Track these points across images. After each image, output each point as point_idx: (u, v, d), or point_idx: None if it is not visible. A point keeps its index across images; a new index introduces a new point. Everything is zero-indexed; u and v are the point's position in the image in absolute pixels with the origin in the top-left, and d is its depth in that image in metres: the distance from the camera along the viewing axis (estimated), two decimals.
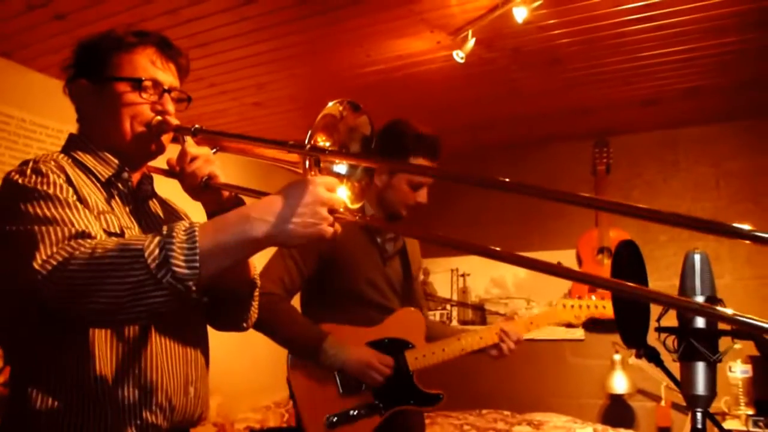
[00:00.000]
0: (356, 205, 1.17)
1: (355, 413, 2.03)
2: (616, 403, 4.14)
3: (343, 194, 1.15)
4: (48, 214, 1.08)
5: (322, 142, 1.15)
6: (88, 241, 1.04)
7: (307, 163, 1.09)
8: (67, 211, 1.10)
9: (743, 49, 3.01)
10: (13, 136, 3.14)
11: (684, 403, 1.16)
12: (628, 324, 1.29)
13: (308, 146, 1.08)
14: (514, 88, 3.60)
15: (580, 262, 4.31)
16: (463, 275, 4.71)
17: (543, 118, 4.12)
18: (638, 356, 1.26)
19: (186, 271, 0.97)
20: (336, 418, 2.00)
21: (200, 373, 1.32)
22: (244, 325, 1.46)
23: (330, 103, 1.12)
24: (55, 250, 1.02)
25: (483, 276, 4.68)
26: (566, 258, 4.38)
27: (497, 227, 4.51)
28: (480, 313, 4.66)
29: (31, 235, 1.05)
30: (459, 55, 2.92)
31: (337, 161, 1.18)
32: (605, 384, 4.03)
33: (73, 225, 1.07)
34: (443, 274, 4.77)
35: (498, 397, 4.24)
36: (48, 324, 1.13)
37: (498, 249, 0.95)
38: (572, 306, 2.32)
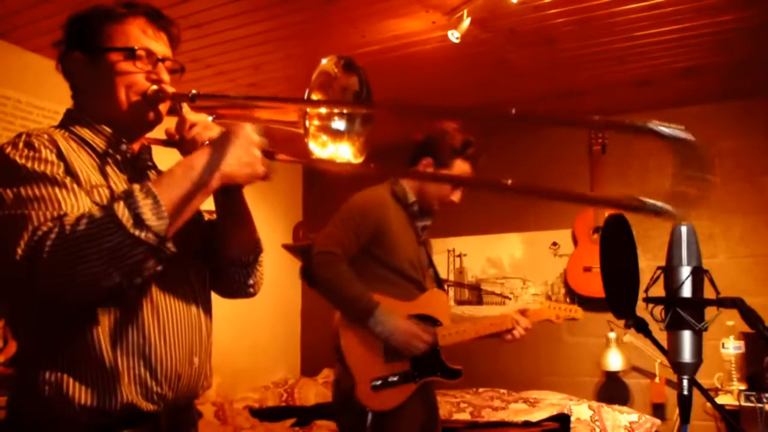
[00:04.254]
0: (359, 159, 1.21)
1: (395, 379, 2.20)
2: (611, 381, 4.20)
3: (346, 150, 1.18)
4: (33, 194, 1.08)
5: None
6: (60, 220, 1.05)
7: (307, 123, 1.15)
8: (55, 189, 1.10)
9: (738, 28, 3.01)
10: (9, 117, 3.15)
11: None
12: (618, 295, 1.31)
13: (306, 100, 1.13)
14: (509, 69, 3.61)
15: (575, 241, 4.35)
16: (459, 255, 4.74)
17: (538, 99, 4.13)
18: (627, 326, 1.29)
19: (157, 222, 1.04)
20: (380, 382, 2.17)
21: (204, 344, 1.33)
22: (251, 290, 1.47)
23: (324, 60, 1.15)
24: (33, 236, 1.03)
25: (479, 256, 4.71)
26: (562, 237, 4.41)
27: (494, 206, 4.53)
28: (476, 293, 4.70)
29: (15, 221, 1.05)
30: (454, 35, 2.92)
31: (335, 119, 1.22)
32: (600, 362, 4.08)
33: (59, 205, 1.08)
34: (440, 255, 4.80)
35: (494, 375, 4.29)
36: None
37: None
38: (554, 308, 2.62)
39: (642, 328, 1.30)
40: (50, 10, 2.83)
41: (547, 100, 4.14)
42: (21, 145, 1.15)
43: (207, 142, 1.21)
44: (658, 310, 1.18)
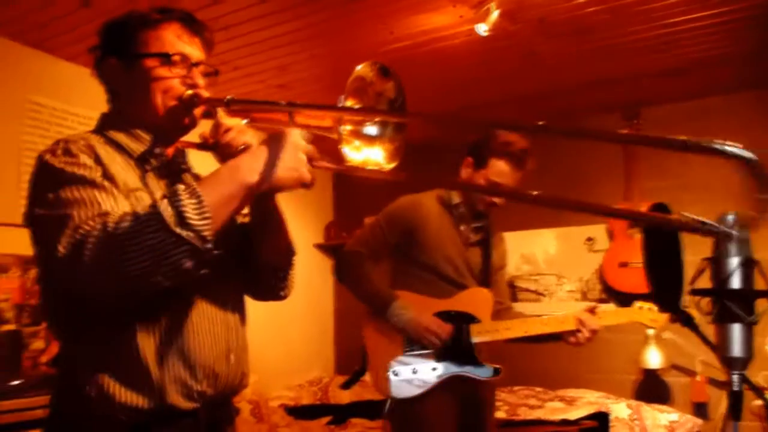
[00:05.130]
0: (391, 165, 1.20)
1: (414, 368, 2.25)
2: (650, 379, 4.10)
3: (378, 155, 1.17)
4: (74, 196, 1.10)
5: (351, 105, 1.18)
6: (102, 218, 1.05)
7: (341, 127, 1.15)
8: (95, 192, 1.12)
9: None
10: (45, 124, 3.21)
11: (720, 378, 1.15)
12: (662, 289, 1.27)
13: (341, 106, 1.14)
14: (540, 61, 3.54)
15: (611, 236, 4.26)
16: None
17: (569, 91, 4.05)
18: (673, 321, 1.24)
19: (201, 222, 1.04)
20: (398, 370, 2.24)
21: (240, 342, 1.35)
22: (282, 294, 1.48)
23: (359, 66, 1.15)
24: (75, 233, 1.04)
25: (513, 252, 4.61)
26: (597, 232, 4.33)
27: (524, 204, 4.46)
28: (510, 290, 4.64)
29: (56, 220, 1.07)
30: (482, 29, 2.88)
31: (367, 124, 1.21)
32: (638, 359, 3.99)
33: (99, 206, 1.09)
34: None
35: (530, 373, 4.22)
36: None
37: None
38: (647, 310, 2.39)
39: (688, 322, 1.25)
40: (82, 19, 2.87)
41: (576, 92, 4.06)
42: (59, 151, 1.17)
43: (243, 147, 1.22)
44: (705, 302, 1.13)
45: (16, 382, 2.39)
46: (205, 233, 1.04)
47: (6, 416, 2.25)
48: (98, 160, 1.18)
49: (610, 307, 2.33)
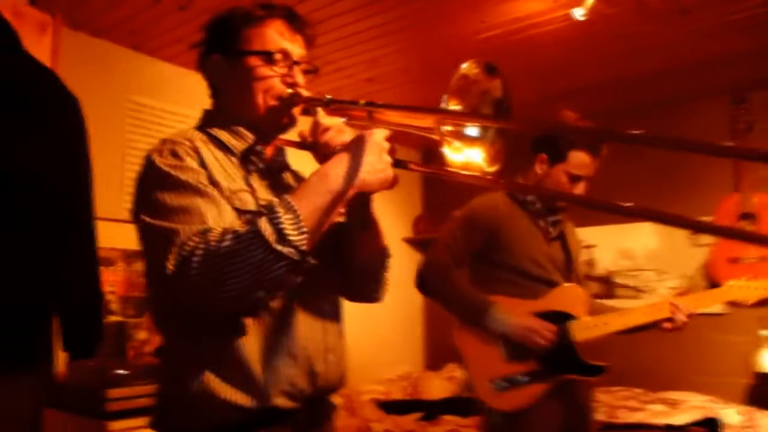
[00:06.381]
0: (492, 168, 1.15)
1: (520, 379, 2.13)
2: (764, 383, 3.81)
3: (479, 157, 1.14)
4: (179, 204, 1.12)
5: (454, 105, 1.13)
6: (205, 235, 1.07)
7: (442, 128, 1.11)
8: (198, 200, 1.13)
9: None
10: (146, 123, 3.35)
11: None
12: None
13: (442, 108, 1.09)
14: (640, 44, 3.35)
15: None
16: (588, 247, 4.49)
17: (672, 75, 3.82)
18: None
19: (299, 237, 1.05)
20: (502, 382, 2.13)
21: (338, 341, 1.35)
22: (376, 296, 1.47)
23: (464, 64, 1.10)
24: (181, 251, 1.06)
25: (610, 247, 4.45)
26: None
27: (625, 193, 4.23)
28: (607, 286, 4.45)
29: (163, 234, 1.09)
30: (579, 13, 2.76)
31: (468, 124, 1.16)
32: (751, 361, 3.72)
33: (201, 218, 1.11)
34: None
35: (629, 373, 4.00)
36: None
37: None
38: (741, 287, 2.27)
39: None
40: (179, 19, 2.97)
41: (679, 75, 3.83)
42: (166, 152, 1.20)
43: (340, 149, 1.20)
44: None
45: (123, 372, 2.49)
46: (304, 247, 1.06)
47: (115, 404, 2.35)
48: (203, 164, 1.20)
49: (669, 284, 2.21)
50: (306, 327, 1.26)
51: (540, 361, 2.14)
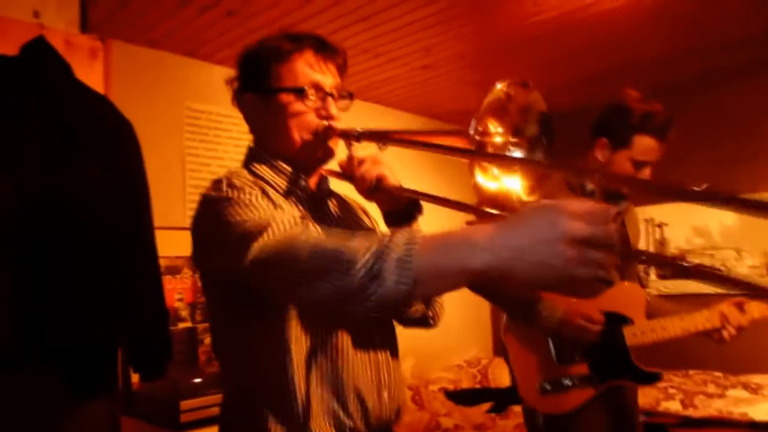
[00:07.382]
0: (532, 198, 1.08)
1: (568, 382, 2.04)
2: None
3: (517, 184, 1.07)
4: (255, 214, 1.09)
5: (493, 128, 1.06)
6: (301, 234, 1.01)
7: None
8: (272, 211, 1.11)
9: None
10: (204, 129, 3.39)
11: None
12: None
13: (473, 133, 1.02)
14: (710, 12, 3.14)
15: None
16: (659, 225, 4.31)
17: (746, 43, 3.57)
18: None
19: (395, 287, 0.85)
20: (549, 385, 2.03)
21: (393, 375, 1.32)
22: (431, 322, 1.46)
23: (497, 85, 1.02)
24: (268, 242, 1.02)
25: (683, 225, 4.25)
26: None
27: (697, 166, 4.03)
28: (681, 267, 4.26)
29: (241, 229, 1.07)
30: None
31: (510, 148, 1.09)
32: None
33: (282, 222, 1.08)
34: None
35: (708, 356, 3.85)
36: (247, 322, 1.19)
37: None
38: None
39: None
40: (228, 25, 2.99)
41: (760, 44, 3.57)
42: (224, 187, 1.18)
43: (378, 180, 1.18)
44: None
45: (197, 380, 2.56)
46: (396, 300, 0.87)
47: (188, 414, 2.43)
48: (264, 193, 1.18)
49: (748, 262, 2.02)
50: (358, 361, 1.24)
51: (591, 366, 2.05)
